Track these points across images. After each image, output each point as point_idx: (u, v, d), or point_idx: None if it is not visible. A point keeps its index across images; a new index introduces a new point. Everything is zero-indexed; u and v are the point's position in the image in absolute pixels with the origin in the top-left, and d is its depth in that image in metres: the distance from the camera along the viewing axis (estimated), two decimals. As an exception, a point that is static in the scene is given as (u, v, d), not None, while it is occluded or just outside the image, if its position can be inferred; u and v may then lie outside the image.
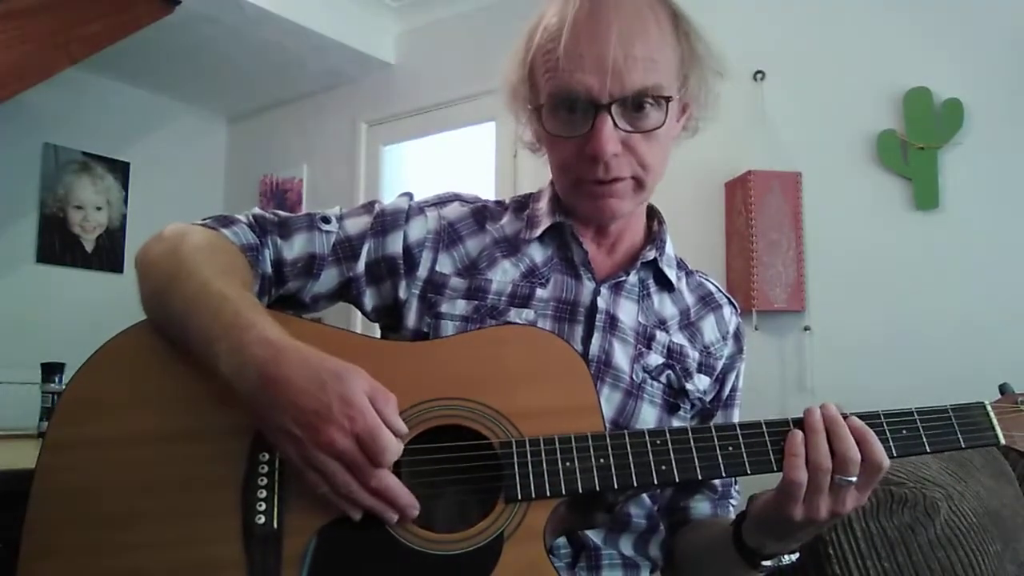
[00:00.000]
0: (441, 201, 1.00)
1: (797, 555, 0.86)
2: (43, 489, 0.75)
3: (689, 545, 0.97)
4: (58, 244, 3.85)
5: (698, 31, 0.92)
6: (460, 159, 3.61)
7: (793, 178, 2.57)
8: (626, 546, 0.92)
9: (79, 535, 0.74)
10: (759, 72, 2.65)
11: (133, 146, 4.13)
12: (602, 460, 0.77)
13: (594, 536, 0.89)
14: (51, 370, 2.19)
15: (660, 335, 0.95)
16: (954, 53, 2.36)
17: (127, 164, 4.11)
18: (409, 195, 1.00)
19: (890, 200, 2.42)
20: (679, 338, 0.97)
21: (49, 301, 3.73)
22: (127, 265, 3.98)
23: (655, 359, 0.94)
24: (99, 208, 4.01)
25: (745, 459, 0.78)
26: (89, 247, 3.96)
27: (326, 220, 0.94)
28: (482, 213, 0.99)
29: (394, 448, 0.70)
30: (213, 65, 3.82)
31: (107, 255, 3.97)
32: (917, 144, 2.38)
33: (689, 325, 1.00)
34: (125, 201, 4.09)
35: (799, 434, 0.77)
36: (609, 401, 0.90)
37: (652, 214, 1.03)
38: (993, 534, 1.29)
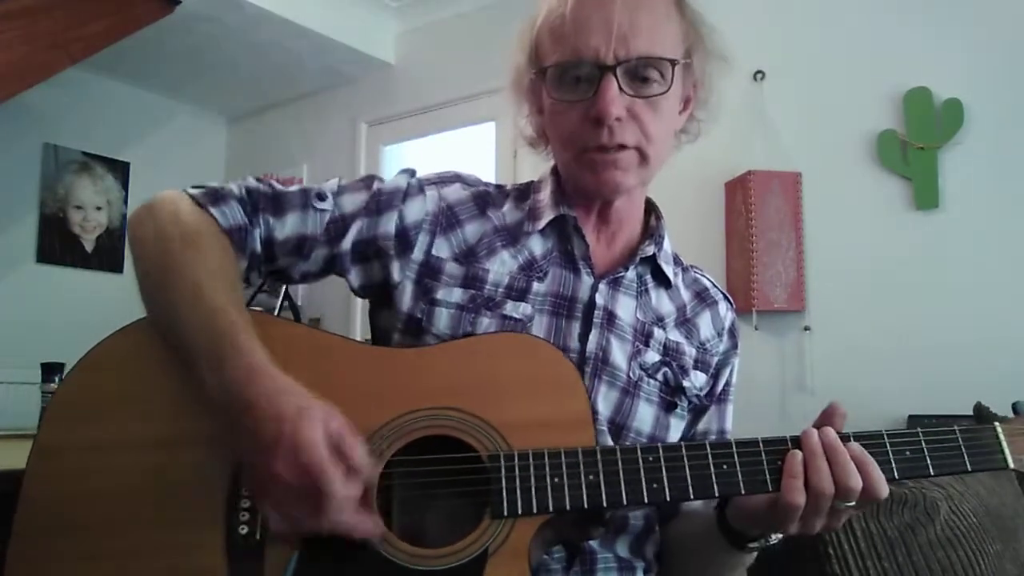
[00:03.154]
0: (442, 180, 0.98)
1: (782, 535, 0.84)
2: (31, 494, 0.75)
3: (679, 535, 0.96)
4: (58, 244, 3.86)
5: (701, 15, 0.93)
6: (460, 159, 3.61)
7: (793, 178, 2.57)
8: (622, 548, 0.91)
9: (64, 541, 0.74)
10: (759, 72, 2.65)
11: (133, 146, 4.14)
12: (591, 477, 0.74)
13: (592, 540, 0.87)
14: (51, 370, 2.19)
15: (657, 332, 0.95)
16: (954, 53, 2.36)
17: (127, 164, 4.11)
18: (410, 172, 0.98)
19: (890, 200, 2.42)
20: (675, 335, 0.96)
21: (49, 301, 3.73)
22: (127, 265, 3.96)
23: (652, 356, 0.93)
24: (99, 208, 4.01)
25: (740, 478, 0.76)
26: (89, 247, 3.96)
27: (321, 197, 0.92)
28: (483, 198, 0.97)
29: (338, 496, 0.67)
30: (213, 65, 3.82)
31: (107, 255, 3.97)
32: (917, 144, 2.38)
33: (685, 322, 0.99)
34: (125, 201, 4.09)
35: (799, 455, 0.75)
36: (606, 399, 0.89)
37: (650, 208, 1.02)
38: (993, 534, 1.29)
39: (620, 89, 0.84)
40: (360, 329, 3.69)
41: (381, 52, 3.76)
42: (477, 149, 3.50)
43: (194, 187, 0.90)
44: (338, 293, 3.23)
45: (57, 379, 2.17)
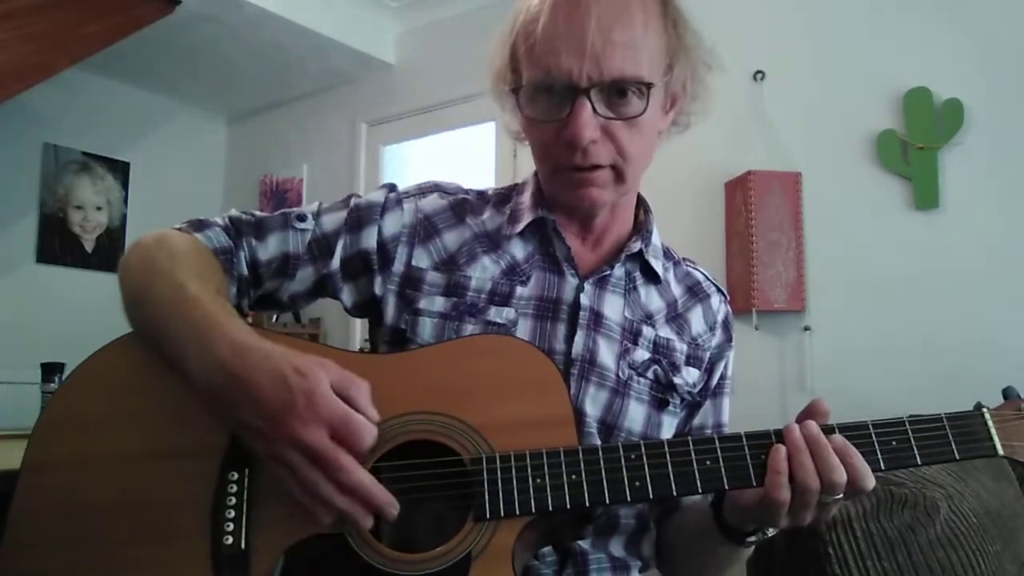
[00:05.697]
0: (421, 192, 0.98)
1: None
2: (20, 510, 0.75)
3: (679, 530, 0.96)
4: (58, 244, 3.86)
5: (687, 20, 0.90)
6: (460, 159, 3.61)
7: (793, 178, 2.57)
8: (616, 547, 0.90)
9: (54, 556, 0.74)
10: (759, 72, 2.65)
11: (133, 146, 4.14)
12: (574, 476, 0.74)
13: (581, 541, 0.87)
14: (51, 370, 2.20)
15: (647, 330, 0.93)
16: (954, 53, 2.36)
17: (127, 164, 4.11)
18: (389, 186, 0.98)
19: (890, 200, 2.42)
20: (665, 331, 0.95)
21: (49, 301, 3.73)
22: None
23: (642, 355, 0.92)
24: (99, 208, 4.01)
25: (723, 474, 0.75)
26: (89, 247, 3.96)
27: (301, 218, 0.93)
28: (462, 206, 0.97)
29: (368, 432, 0.70)
30: (213, 65, 3.82)
31: (107, 255, 3.97)
32: (917, 144, 2.38)
33: (676, 317, 0.97)
34: (125, 201, 4.09)
35: (783, 449, 0.74)
36: (595, 400, 0.88)
37: (639, 204, 1.00)
38: (993, 534, 1.29)
39: (594, 110, 0.82)
40: (360, 330, 3.69)
41: (381, 52, 3.76)
42: (477, 149, 3.50)
43: (177, 225, 0.92)
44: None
45: (57, 379, 2.17)
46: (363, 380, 0.72)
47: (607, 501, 0.75)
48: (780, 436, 0.76)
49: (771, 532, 0.82)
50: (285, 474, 0.70)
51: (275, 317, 3.67)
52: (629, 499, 0.75)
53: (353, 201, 0.95)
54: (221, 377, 0.72)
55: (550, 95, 0.84)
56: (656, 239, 0.99)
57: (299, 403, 0.68)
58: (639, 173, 0.91)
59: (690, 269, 1.04)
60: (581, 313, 0.90)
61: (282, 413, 0.68)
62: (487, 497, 0.74)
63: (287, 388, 0.69)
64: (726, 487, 0.76)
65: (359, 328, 3.69)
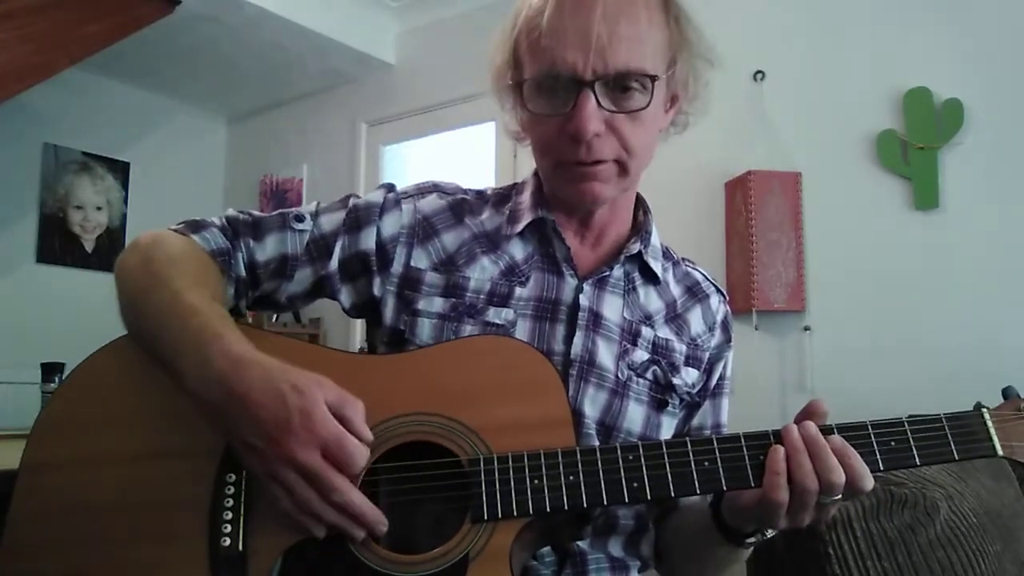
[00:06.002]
0: (420, 192, 0.97)
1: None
2: (19, 510, 0.75)
3: (678, 530, 0.95)
4: (58, 244, 3.86)
5: (689, 16, 0.90)
6: (460, 159, 3.61)
7: (793, 178, 2.57)
8: (615, 547, 0.90)
9: (53, 556, 0.74)
10: (759, 72, 2.65)
11: (133, 146, 4.14)
12: (571, 477, 0.74)
13: (580, 541, 0.87)
14: (51, 370, 2.20)
15: (646, 331, 0.93)
16: (954, 53, 2.36)
17: (127, 164, 4.11)
18: (387, 187, 0.97)
19: (890, 200, 2.42)
20: (664, 332, 0.95)
21: (49, 301, 3.73)
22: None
23: (641, 355, 0.91)
24: (99, 208, 4.01)
25: (722, 475, 0.75)
26: (89, 247, 3.96)
27: (299, 219, 0.93)
28: (461, 206, 0.96)
29: (361, 455, 0.70)
30: (213, 65, 3.82)
31: (107, 255, 3.96)
32: (917, 144, 2.38)
33: (675, 318, 0.97)
34: (125, 201, 4.09)
35: (781, 450, 0.74)
36: (594, 402, 0.88)
37: (638, 204, 1.00)
38: (993, 534, 1.29)
39: (598, 104, 0.82)
40: (360, 331, 3.69)
41: (381, 52, 3.76)
42: (477, 149, 3.50)
43: (174, 225, 0.92)
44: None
45: (57, 379, 2.17)
46: (358, 400, 0.72)
47: (605, 502, 0.75)
48: (778, 437, 0.76)
49: (770, 533, 0.82)
50: (280, 491, 0.70)
51: (275, 317, 3.67)
52: (627, 500, 0.75)
53: (352, 202, 0.95)
54: (219, 391, 0.71)
55: (554, 89, 0.84)
56: (655, 240, 0.99)
57: (294, 422, 0.68)
58: (641, 169, 0.90)
59: (689, 269, 1.03)
60: (580, 314, 0.90)
61: (278, 431, 0.68)
62: (484, 498, 0.73)
63: (284, 406, 0.69)
64: (724, 488, 0.76)
65: (359, 328, 3.69)
